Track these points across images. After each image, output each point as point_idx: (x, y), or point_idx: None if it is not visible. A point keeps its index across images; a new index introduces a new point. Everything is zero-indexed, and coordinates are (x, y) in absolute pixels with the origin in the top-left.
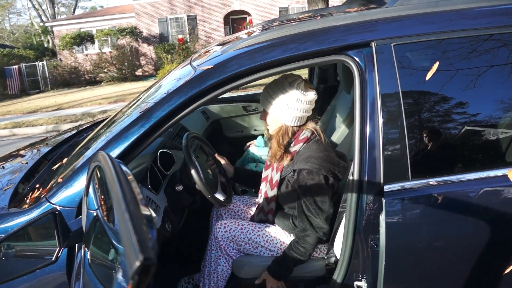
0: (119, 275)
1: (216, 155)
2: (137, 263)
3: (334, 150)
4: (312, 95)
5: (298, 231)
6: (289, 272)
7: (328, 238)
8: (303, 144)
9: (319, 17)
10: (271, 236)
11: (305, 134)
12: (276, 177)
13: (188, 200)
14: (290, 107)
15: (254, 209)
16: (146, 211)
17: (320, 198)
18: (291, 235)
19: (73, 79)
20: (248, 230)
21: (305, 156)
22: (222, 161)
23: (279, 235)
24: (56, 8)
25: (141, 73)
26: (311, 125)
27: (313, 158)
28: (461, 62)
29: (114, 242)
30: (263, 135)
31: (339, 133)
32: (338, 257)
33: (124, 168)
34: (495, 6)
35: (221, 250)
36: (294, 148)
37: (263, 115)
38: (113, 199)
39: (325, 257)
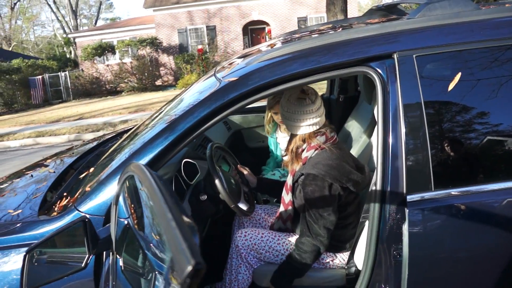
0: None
1: (238, 166)
2: (189, 268)
3: (354, 161)
4: (302, 105)
5: (298, 236)
6: (286, 280)
7: (335, 248)
8: (315, 151)
9: (340, 28)
10: (291, 245)
11: (317, 141)
12: (290, 182)
13: (212, 210)
14: (287, 118)
15: (275, 219)
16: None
17: (322, 205)
18: None
19: (95, 89)
20: (268, 238)
21: (314, 162)
22: (245, 172)
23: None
24: (78, 20)
25: (161, 83)
26: (325, 133)
27: (320, 164)
28: (483, 72)
29: (145, 249)
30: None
31: (360, 144)
32: (359, 267)
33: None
34: None
35: (241, 259)
36: (306, 154)
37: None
38: (156, 208)
39: (345, 267)
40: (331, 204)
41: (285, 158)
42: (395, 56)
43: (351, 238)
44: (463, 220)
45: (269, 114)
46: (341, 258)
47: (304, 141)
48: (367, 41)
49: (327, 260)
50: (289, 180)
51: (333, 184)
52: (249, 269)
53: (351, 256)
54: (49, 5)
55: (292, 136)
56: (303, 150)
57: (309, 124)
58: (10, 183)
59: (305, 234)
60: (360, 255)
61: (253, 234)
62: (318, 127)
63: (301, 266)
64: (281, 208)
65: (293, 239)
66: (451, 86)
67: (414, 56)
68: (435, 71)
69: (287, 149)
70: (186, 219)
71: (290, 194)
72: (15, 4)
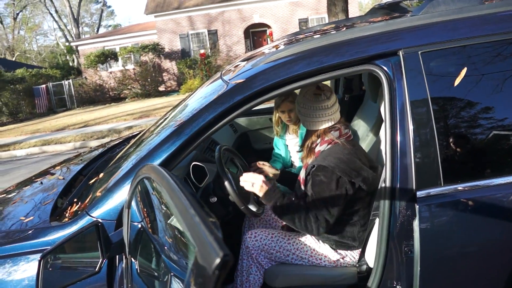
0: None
1: (258, 163)
2: (218, 260)
3: (368, 159)
4: (317, 101)
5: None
6: (275, 200)
7: (346, 246)
8: (328, 145)
9: (344, 28)
10: (302, 244)
11: (330, 136)
12: (303, 175)
13: (222, 212)
14: (303, 113)
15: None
16: (209, 215)
17: (328, 196)
18: (321, 241)
19: (98, 96)
20: (278, 238)
21: (326, 154)
22: (265, 167)
23: (310, 243)
24: (80, 28)
25: (164, 89)
26: (340, 129)
27: (331, 157)
28: (488, 66)
29: (160, 252)
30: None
31: (367, 142)
32: (370, 265)
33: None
34: None
35: (252, 259)
36: (319, 148)
37: None
38: (177, 205)
39: (357, 265)
40: (337, 197)
41: (300, 154)
42: (400, 53)
43: (361, 236)
44: (473, 214)
45: (277, 114)
46: (351, 256)
47: (318, 136)
48: (372, 39)
49: (338, 258)
50: (302, 174)
51: (341, 178)
52: (260, 270)
53: (362, 254)
54: (51, 14)
55: (308, 132)
56: (317, 145)
57: (324, 119)
58: (19, 191)
59: (306, 213)
60: (371, 253)
61: (263, 234)
62: (333, 122)
63: (282, 217)
64: None
65: (303, 238)
66: (457, 81)
67: (419, 52)
68: (441, 67)
69: (302, 145)
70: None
71: (302, 187)
72: (17, 14)
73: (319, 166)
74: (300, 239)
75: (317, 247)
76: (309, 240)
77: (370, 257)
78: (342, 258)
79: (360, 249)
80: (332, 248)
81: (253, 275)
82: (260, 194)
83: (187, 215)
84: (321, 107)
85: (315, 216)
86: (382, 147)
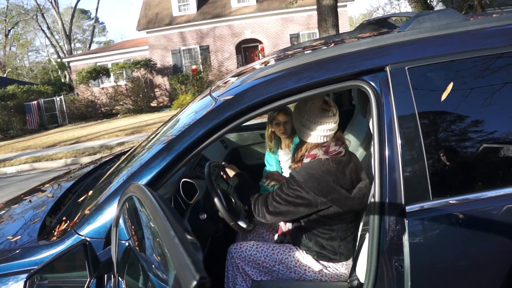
0: None
1: (223, 164)
2: (194, 283)
3: (355, 178)
4: (323, 116)
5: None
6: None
7: (328, 259)
8: (311, 159)
9: (332, 44)
10: (286, 254)
11: (316, 151)
12: None
13: (212, 228)
14: (303, 124)
15: (276, 234)
16: (190, 235)
17: (286, 196)
18: (305, 252)
19: (90, 112)
20: (263, 248)
21: (302, 167)
22: (227, 168)
23: (294, 253)
24: (72, 44)
25: (156, 104)
26: (327, 146)
27: (304, 172)
28: (475, 81)
29: (147, 270)
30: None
31: (357, 156)
32: (361, 280)
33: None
34: (505, 26)
35: (237, 270)
36: (305, 160)
37: None
38: (158, 227)
39: (348, 280)
40: (294, 203)
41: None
42: (387, 69)
43: (343, 250)
44: (463, 228)
45: (270, 129)
46: (334, 268)
47: (306, 149)
48: (359, 55)
49: (321, 268)
50: None
51: (309, 193)
52: (246, 280)
53: (353, 269)
54: (43, 31)
55: (301, 143)
56: (303, 157)
57: (320, 135)
58: (8, 209)
59: (259, 200)
60: (362, 268)
61: (248, 245)
62: (325, 140)
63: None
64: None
65: (288, 249)
66: (444, 96)
67: (406, 68)
68: (428, 82)
69: (293, 156)
70: (188, 236)
71: None
72: (9, 31)
73: (291, 176)
74: (284, 250)
75: (301, 258)
76: (293, 251)
77: (361, 272)
78: (325, 269)
79: (345, 262)
80: (314, 259)
81: (239, 285)
82: (231, 174)
83: (167, 236)
84: (324, 123)
85: (264, 201)
86: (372, 161)
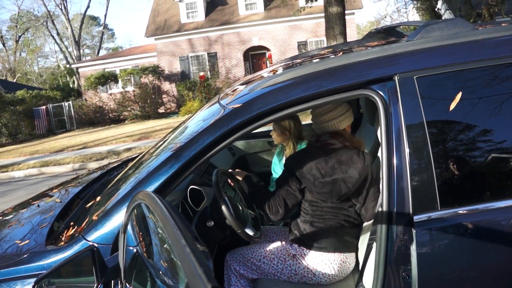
0: None
1: (230, 170)
2: None
3: (340, 168)
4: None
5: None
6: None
7: (314, 248)
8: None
9: (340, 52)
10: (285, 251)
11: (309, 139)
12: None
13: (219, 236)
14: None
15: (284, 241)
16: (200, 244)
17: (285, 181)
18: (289, 240)
19: (98, 118)
20: (258, 249)
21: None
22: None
23: (277, 243)
24: (81, 50)
25: (163, 111)
26: (320, 136)
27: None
28: (484, 90)
29: (154, 277)
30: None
31: None
32: None
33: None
34: None
35: (231, 271)
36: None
37: None
38: (169, 235)
39: None
40: (290, 182)
41: None
42: (396, 78)
43: (320, 239)
44: (471, 239)
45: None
46: (349, 279)
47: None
48: (368, 64)
49: (299, 258)
50: None
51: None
52: (239, 279)
53: (359, 279)
54: (53, 37)
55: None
56: None
57: (323, 125)
58: (16, 214)
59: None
60: (369, 277)
61: (242, 249)
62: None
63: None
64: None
65: (278, 243)
66: (452, 106)
67: (414, 77)
68: (436, 92)
69: None
70: (199, 245)
71: None
72: (19, 37)
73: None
74: (270, 243)
75: (282, 246)
76: (277, 242)
77: (368, 281)
78: (298, 254)
79: (340, 258)
80: (290, 243)
81: (233, 286)
82: (240, 178)
83: (178, 245)
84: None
85: (275, 199)
86: (380, 170)
